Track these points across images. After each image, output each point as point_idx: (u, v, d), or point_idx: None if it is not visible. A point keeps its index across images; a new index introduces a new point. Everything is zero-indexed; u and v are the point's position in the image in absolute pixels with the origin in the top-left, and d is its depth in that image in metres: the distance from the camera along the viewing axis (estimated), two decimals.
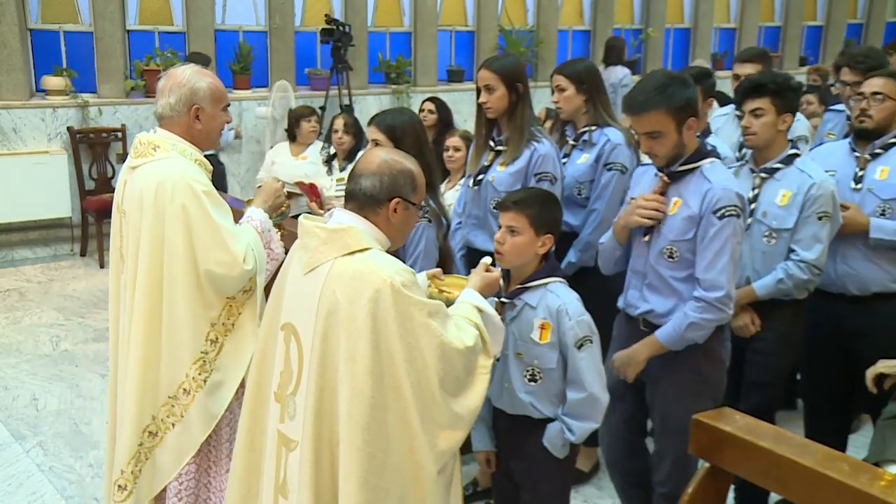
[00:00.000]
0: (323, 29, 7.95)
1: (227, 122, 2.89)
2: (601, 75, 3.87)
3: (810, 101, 6.11)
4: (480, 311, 2.35)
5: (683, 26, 11.09)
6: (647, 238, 2.89)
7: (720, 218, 2.71)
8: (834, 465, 1.78)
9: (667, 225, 2.83)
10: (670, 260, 2.83)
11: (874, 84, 3.39)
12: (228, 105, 2.88)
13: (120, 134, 7.28)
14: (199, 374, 2.73)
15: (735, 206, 2.72)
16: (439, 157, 4.73)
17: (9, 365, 5.04)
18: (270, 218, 2.91)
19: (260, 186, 3.08)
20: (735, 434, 1.97)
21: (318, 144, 6.22)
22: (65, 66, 7.41)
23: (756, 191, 3.19)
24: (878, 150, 3.36)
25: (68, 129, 7.13)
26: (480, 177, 3.54)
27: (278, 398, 2.24)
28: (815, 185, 3.07)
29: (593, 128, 3.69)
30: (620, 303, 3.07)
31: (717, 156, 2.90)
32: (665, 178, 2.85)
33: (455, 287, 2.51)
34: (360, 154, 5.93)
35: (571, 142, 3.76)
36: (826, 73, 7.72)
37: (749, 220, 3.14)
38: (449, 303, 2.37)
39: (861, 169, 3.37)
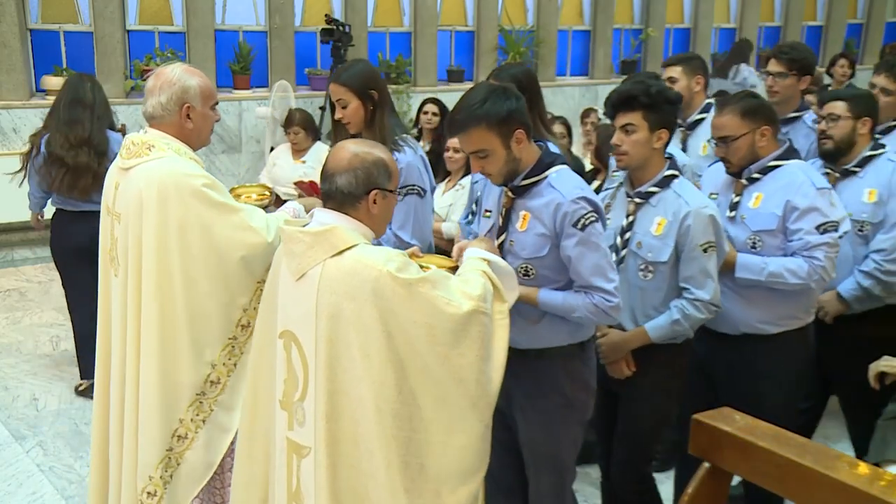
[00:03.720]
0: (323, 29, 7.96)
1: (217, 120, 2.84)
2: (538, 81, 3.44)
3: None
4: (487, 261, 2.35)
5: (683, 26, 11.09)
6: None
7: (582, 228, 2.55)
8: (834, 465, 1.78)
9: (518, 243, 2.64)
10: (526, 278, 2.63)
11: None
12: (217, 103, 2.84)
13: (120, 134, 7.26)
14: (230, 359, 2.71)
15: (591, 211, 2.56)
16: (440, 157, 4.73)
17: (9, 365, 5.04)
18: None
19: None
20: (735, 434, 1.97)
21: (319, 146, 6.21)
22: (65, 66, 7.42)
23: (630, 218, 2.91)
24: (755, 175, 3.05)
25: None
26: None
27: (284, 406, 2.24)
28: (690, 214, 2.79)
29: None
30: None
31: (563, 161, 2.69)
32: (509, 194, 2.67)
33: (433, 263, 2.49)
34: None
35: None
36: (819, 77, 7.63)
37: (623, 253, 2.93)
38: None
39: (737, 195, 3.08)
